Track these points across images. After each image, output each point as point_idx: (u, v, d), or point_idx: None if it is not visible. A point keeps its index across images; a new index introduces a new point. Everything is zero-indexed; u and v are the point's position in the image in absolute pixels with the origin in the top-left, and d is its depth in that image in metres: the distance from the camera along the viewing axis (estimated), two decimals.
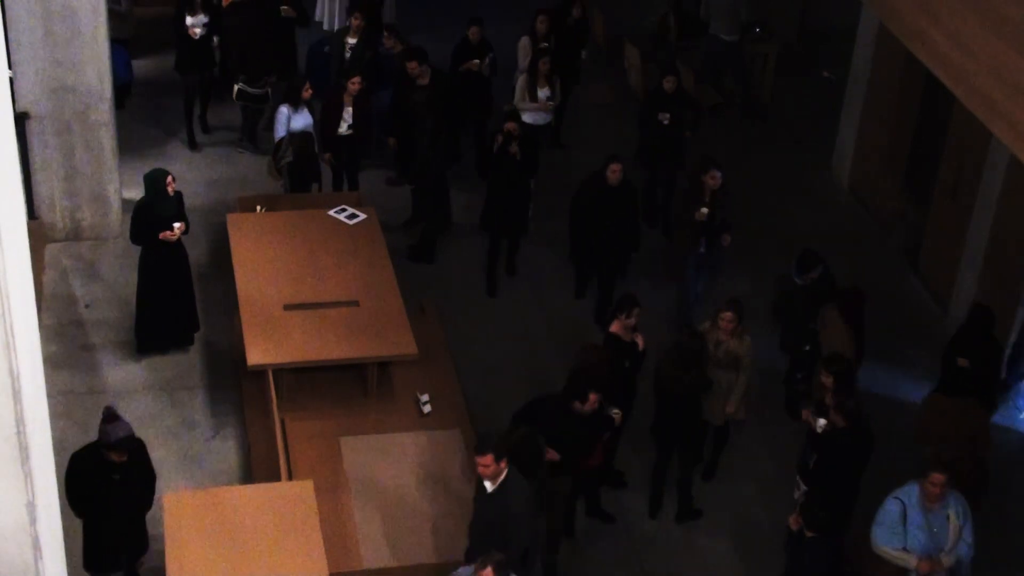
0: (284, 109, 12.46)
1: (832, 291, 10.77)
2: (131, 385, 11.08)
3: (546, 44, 13.70)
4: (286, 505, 8.70)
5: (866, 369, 10.75)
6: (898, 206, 13.85)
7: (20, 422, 5.54)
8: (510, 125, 12.14)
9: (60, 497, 7.06)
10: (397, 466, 9.79)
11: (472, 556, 8.33)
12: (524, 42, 13.94)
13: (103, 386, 11.04)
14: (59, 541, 6.82)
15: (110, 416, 8.37)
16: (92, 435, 10.37)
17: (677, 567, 9.90)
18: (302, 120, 12.50)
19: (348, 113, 12.79)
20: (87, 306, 11.92)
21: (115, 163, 12.62)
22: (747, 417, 10.49)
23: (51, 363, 10.26)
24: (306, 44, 14.94)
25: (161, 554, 8.34)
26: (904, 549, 8.52)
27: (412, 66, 13.01)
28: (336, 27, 15.66)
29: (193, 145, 14.35)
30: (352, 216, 11.96)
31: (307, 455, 9.85)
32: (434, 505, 9.45)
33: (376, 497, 9.53)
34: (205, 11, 13.72)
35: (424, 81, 13.02)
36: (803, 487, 9.30)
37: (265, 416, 10.20)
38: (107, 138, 12.43)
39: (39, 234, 12.17)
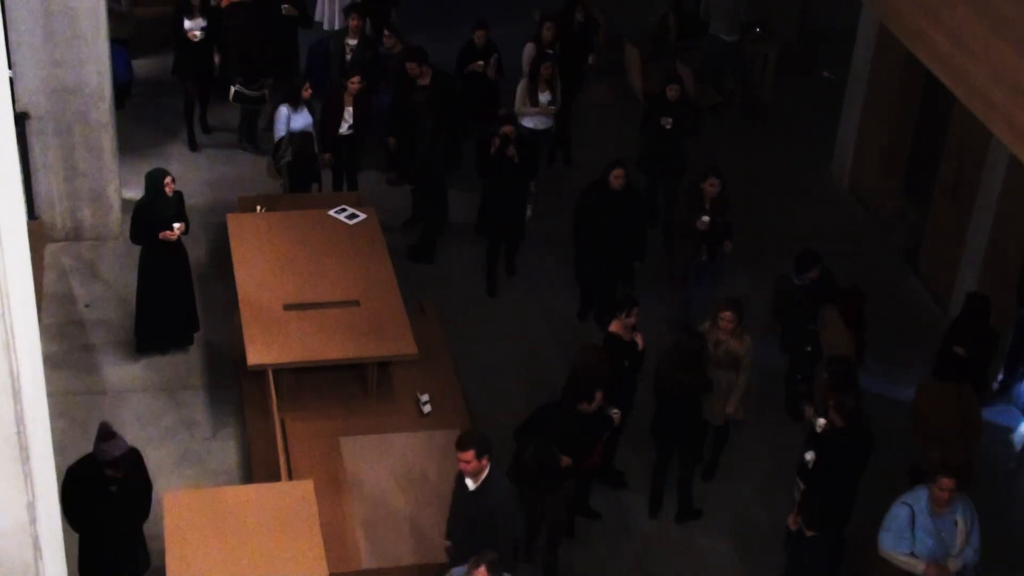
0: (284, 109, 12.46)
1: (832, 291, 10.77)
2: (131, 385, 11.08)
3: (551, 51, 13.64)
4: (286, 505, 8.70)
5: (866, 369, 10.75)
6: (898, 206, 13.85)
7: (20, 422, 5.53)
8: (507, 128, 12.12)
9: (60, 487, 7.07)
10: (397, 466, 9.79)
11: (457, 556, 8.33)
12: (530, 49, 13.82)
13: (103, 386, 11.04)
14: (59, 541, 6.82)
15: (106, 434, 8.25)
16: (92, 435, 10.36)
17: (677, 567, 9.90)
18: (302, 120, 12.50)
19: (348, 113, 12.79)
20: (87, 306, 11.92)
21: (115, 163, 12.62)
22: (747, 417, 10.49)
23: (51, 363, 10.25)
24: (307, 44, 14.94)
25: (161, 554, 8.34)
26: (912, 554, 8.51)
27: (412, 66, 13.01)
28: (336, 27, 15.65)
29: (193, 145, 14.35)
30: (352, 216, 11.96)
31: (307, 455, 9.85)
32: (434, 505, 9.45)
33: (376, 497, 9.53)
34: (203, 14, 13.70)
35: (424, 81, 13.02)
36: (802, 486, 9.29)
37: (265, 416, 10.20)
38: (107, 138, 12.43)
39: (39, 234, 12.17)
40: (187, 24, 13.66)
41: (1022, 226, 11.45)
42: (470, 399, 10.78)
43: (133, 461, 8.46)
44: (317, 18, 16.33)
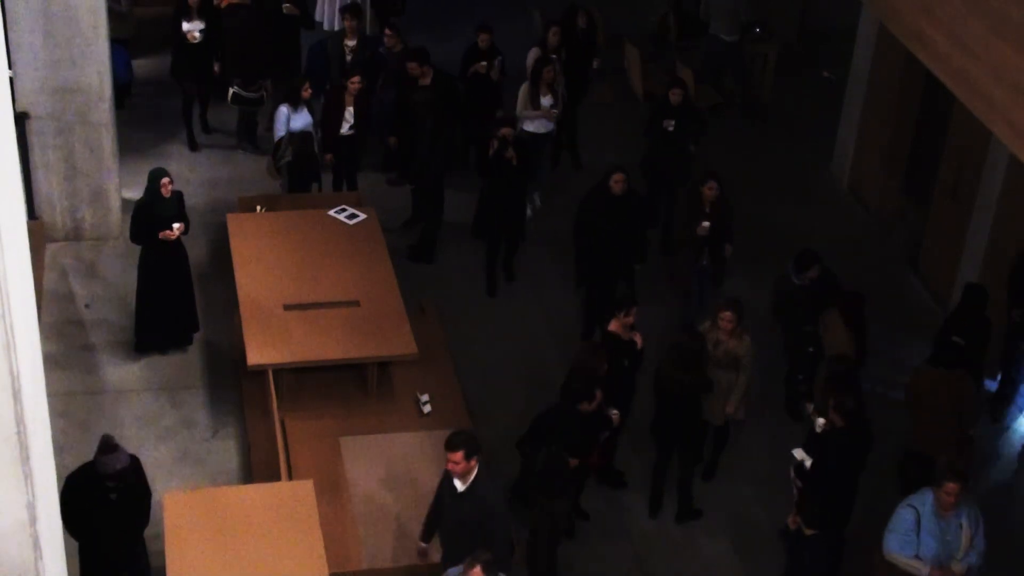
0: (284, 109, 12.46)
1: (833, 292, 10.77)
2: (131, 385, 11.08)
3: (555, 56, 13.61)
4: (286, 505, 8.70)
5: (866, 369, 10.74)
6: (898, 206, 13.85)
7: (20, 422, 5.53)
8: (505, 130, 12.12)
9: (60, 496, 7.07)
10: (397, 466, 9.79)
11: (448, 558, 8.31)
12: (534, 53, 13.77)
13: (103, 386, 11.04)
14: (59, 541, 6.82)
15: (108, 447, 8.18)
16: (92, 435, 10.41)
17: (677, 567, 9.90)
18: (302, 120, 12.50)
19: (350, 113, 12.79)
20: (87, 306, 11.92)
21: (115, 163, 12.62)
22: (747, 417, 10.49)
23: (51, 363, 10.25)
24: (307, 44, 14.92)
25: (161, 554, 8.33)
26: (916, 556, 8.50)
27: (413, 66, 13.00)
28: (337, 27, 15.64)
29: (193, 145, 14.35)
30: (352, 216, 11.96)
31: (307, 455, 9.86)
32: None
33: (376, 497, 9.53)
34: (202, 16, 13.69)
35: (426, 81, 13.01)
36: (799, 484, 9.27)
37: (265, 416, 10.21)
38: (107, 138, 12.43)
39: (39, 234, 12.17)
40: (185, 26, 13.65)
41: (1022, 226, 11.45)
42: (470, 399, 10.78)
43: (134, 469, 8.42)
44: (317, 18, 16.33)
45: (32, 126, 12.14)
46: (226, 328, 11.50)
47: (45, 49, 11.83)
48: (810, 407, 9.72)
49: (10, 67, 11.59)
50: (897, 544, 8.52)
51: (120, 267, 12.31)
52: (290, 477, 9.43)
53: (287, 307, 10.73)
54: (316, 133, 12.68)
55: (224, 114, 14.46)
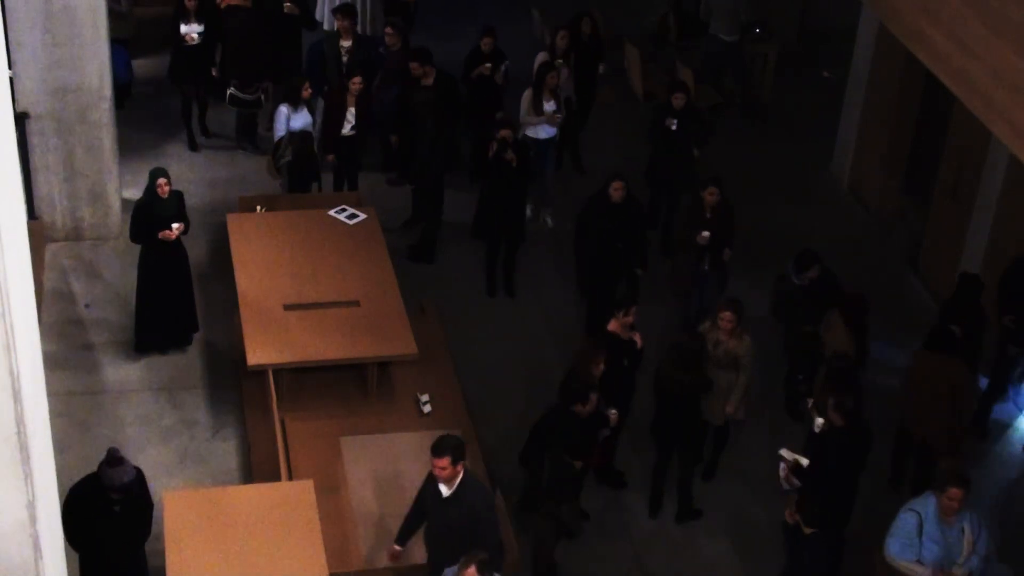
0: (284, 108, 12.46)
1: (834, 293, 10.77)
2: (131, 385, 11.09)
3: (561, 60, 13.58)
4: (286, 505, 8.70)
5: (865, 369, 10.74)
6: (898, 206, 13.85)
7: (20, 422, 5.54)
8: (504, 132, 12.11)
9: (60, 497, 7.06)
10: (397, 466, 9.79)
11: (434, 562, 8.30)
12: (541, 58, 13.75)
13: (103, 386, 11.04)
14: (59, 541, 6.83)
15: (114, 460, 8.12)
16: (92, 435, 10.43)
17: (677, 567, 9.90)
18: (301, 120, 12.50)
19: (351, 114, 12.79)
20: (87, 306, 11.92)
21: (115, 163, 12.62)
22: (747, 417, 10.49)
23: (51, 363, 10.25)
24: (308, 44, 14.91)
25: (161, 554, 8.33)
26: (918, 561, 8.49)
27: (414, 66, 12.99)
28: (336, 28, 15.63)
29: (193, 145, 14.35)
30: (352, 216, 11.96)
31: (307, 455, 9.85)
32: None
33: (376, 497, 9.53)
34: (200, 19, 13.66)
35: (428, 82, 13.00)
36: (793, 483, 9.25)
37: (265, 416, 10.20)
38: (107, 138, 12.43)
39: (39, 234, 12.17)
40: (183, 28, 13.63)
41: (1022, 226, 11.45)
42: (470, 399, 10.78)
43: (138, 482, 8.37)
44: (317, 18, 16.31)
45: (32, 126, 12.14)
46: (226, 328, 11.50)
47: (45, 49, 11.83)
48: (809, 401, 9.72)
49: (10, 67, 11.59)
50: (899, 548, 8.51)
51: (120, 267, 12.31)
52: (290, 477, 9.43)
53: (287, 307, 10.73)
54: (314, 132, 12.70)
55: (224, 114, 14.46)
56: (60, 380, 10.83)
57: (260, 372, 10.24)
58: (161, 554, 8.33)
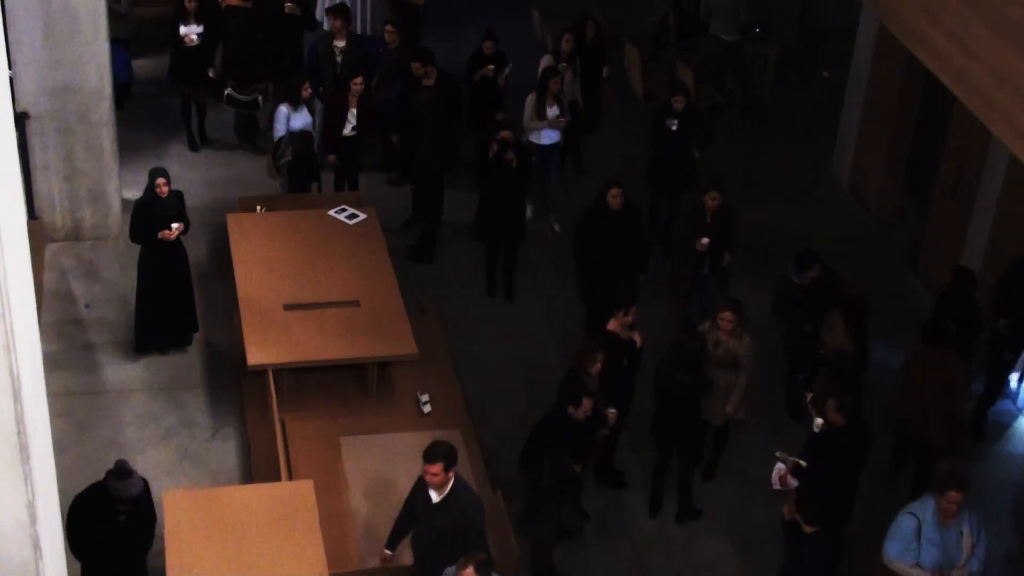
0: (283, 108, 12.46)
1: (834, 293, 10.76)
2: (130, 385, 11.09)
3: (566, 64, 13.57)
4: (286, 505, 8.70)
5: (864, 369, 10.73)
6: (898, 206, 13.85)
7: (20, 422, 5.54)
8: (504, 133, 12.10)
9: (60, 497, 7.06)
10: (397, 466, 9.79)
11: (421, 568, 8.30)
12: (546, 62, 13.74)
13: (102, 386, 11.04)
14: (59, 541, 6.82)
15: (123, 472, 8.06)
16: (92, 435, 10.44)
17: (677, 567, 9.90)
18: (301, 119, 12.50)
19: (352, 114, 12.79)
20: (87, 306, 11.92)
21: (115, 163, 12.62)
22: (747, 417, 10.49)
23: (51, 363, 10.25)
24: (309, 44, 14.91)
25: (161, 554, 8.33)
26: (916, 564, 8.48)
27: (416, 67, 12.99)
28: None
29: (193, 145, 14.35)
30: (352, 216, 11.97)
31: (307, 455, 9.85)
32: None
33: (376, 497, 9.53)
34: (200, 20, 13.64)
35: (429, 82, 12.99)
36: (791, 483, 9.25)
37: (265, 416, 10.20)
38: (107, 138, 12.43)
39: (39, 234, 12.17)
40: (183, 30, 13.63)
41: (1022, 226, 11.45)
42: (470, 399, 10.78)
43: (144, 494, 8.32)
44: (317, 18, 16.31)
45: (32, 126, 12.14)
46: (226, 328, 11.50)
47: (45, 49, 11.84)
48: (808, 396, 9.71)
49: (10, 67, 11.59)
50: (897, 551, 8.50)
51: (120, 267, 12.31)
52: (290, 477, 9.43)
53: (287, 307, 10.73)
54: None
55: (224, 114, 14.45)
56: (60, 380, 10.83)
57: (260, 372, 10.24)
58: (161, 554, 8.33)
